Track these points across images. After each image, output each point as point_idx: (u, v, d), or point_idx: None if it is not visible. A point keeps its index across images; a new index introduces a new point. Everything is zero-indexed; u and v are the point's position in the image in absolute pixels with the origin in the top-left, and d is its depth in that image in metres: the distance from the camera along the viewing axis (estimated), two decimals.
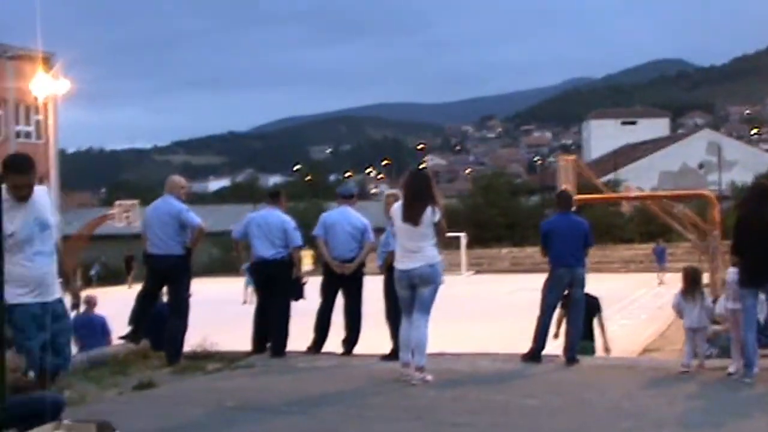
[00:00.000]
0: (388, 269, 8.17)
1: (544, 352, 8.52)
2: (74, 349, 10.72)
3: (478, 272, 43.04)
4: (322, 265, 9.40)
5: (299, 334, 9.33)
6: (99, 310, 11.71)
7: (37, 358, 5.26)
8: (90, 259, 42.73)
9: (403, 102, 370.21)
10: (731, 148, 74.87)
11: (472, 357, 8.93)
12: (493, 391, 7.00)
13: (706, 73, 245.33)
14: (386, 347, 8.62)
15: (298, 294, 9.08)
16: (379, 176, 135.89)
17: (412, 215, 7.22)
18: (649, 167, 70.12)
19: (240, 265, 11.08)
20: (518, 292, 25.31)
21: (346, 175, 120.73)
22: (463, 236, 44.36)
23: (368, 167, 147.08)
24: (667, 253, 34.51)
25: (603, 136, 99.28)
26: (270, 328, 9.05)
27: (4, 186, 4.88)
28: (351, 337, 9.22)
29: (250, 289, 18.51)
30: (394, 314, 8.06)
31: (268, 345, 9.05)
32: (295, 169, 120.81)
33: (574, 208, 9.17)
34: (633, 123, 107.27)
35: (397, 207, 7.47)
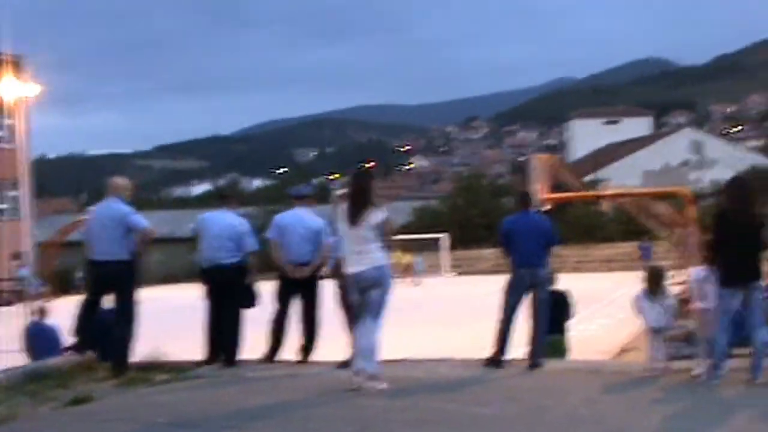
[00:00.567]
0: (339, 275, 7.81)
1: (512, 357, 8.22)
2: (25, 359, 10.37)
3: (460, 274, 42.84)
4: (276, 269, 9.02)
5: (259, 342, 8.94)
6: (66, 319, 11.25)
7: None
8: (72, 265, 42.03)
9: (387, 103, 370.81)
10: (713, 147, 75.25)
11: (434, 363, 8.60)
12: (446, 400, 6.67)
13: (688, 72, 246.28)
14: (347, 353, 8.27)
15: (251, 301, 8.68)
16: None
17: (353, 217, 6.92)
18: (632, 166, 70.19)
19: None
20: (495, 295, 24.94)
21: (330, 177, 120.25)
22: (444, 237, 44.20)
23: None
24: (652, 251, 34.41)
25: (586, 135, 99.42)
26: (222, 336, 8.67)
27: None
28: (308, 345, 8.87)
29: None
30: (349, 320, 7.73)
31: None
32: (280, 172, 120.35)
33: (548, 207, 8.91)
34: (616, 122, 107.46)
35: (342, 209, 7.14)
